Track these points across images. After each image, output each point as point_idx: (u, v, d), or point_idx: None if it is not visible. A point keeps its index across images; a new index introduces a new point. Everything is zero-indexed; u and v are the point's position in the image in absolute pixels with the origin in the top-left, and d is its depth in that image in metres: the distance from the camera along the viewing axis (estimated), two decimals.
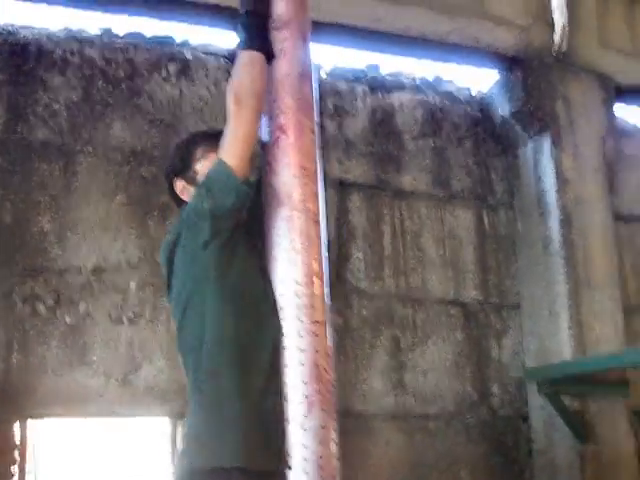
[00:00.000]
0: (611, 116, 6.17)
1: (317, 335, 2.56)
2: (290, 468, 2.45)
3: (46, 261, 4.75)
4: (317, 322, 2.58)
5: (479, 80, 6.26)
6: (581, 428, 5.35)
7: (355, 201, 5.65)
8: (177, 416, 4.86)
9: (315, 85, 2.81)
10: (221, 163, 2.53)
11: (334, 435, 2.52)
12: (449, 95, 6.10)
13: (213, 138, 2.68)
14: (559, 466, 5.50)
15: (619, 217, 6.17)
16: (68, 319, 4.71)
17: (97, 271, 4.81)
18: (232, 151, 2.54)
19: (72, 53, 5.02)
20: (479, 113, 6.13)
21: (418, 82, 6.04)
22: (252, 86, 2.58)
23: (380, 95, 5.87)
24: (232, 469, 2.39)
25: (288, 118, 2.68)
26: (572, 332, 5.50)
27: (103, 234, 4.86)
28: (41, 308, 4.68)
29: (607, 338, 5.59)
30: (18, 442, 4.59)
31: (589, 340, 5.53)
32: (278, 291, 2.60)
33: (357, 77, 5.82)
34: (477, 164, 6.07)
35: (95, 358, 4.73)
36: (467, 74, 6.26)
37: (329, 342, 2.62)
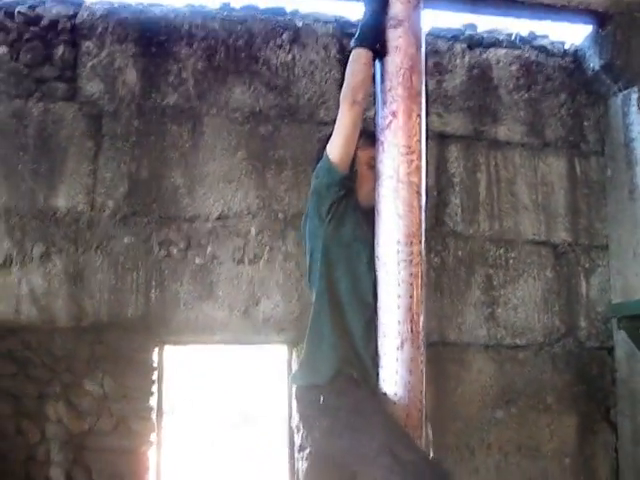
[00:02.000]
0: None
1: (412, 284, 3.05)
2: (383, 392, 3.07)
3: (178, 210, 5.51)
4: (413, 274, 3.06)
5: (573, 33, 6.59)
6: None
7: (453, 151, 6.16)
8: (292, 343, 5.60)
9: (423, 77, 3.21)
10: (325, 154, 3.14)
11: (421, 366, 3.06)
12: (543, 49, 6.46)
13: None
14: None
15: None
16: (197, 260, 5.47)
17: (222, 218, 5.54)
18: (333, 143, 3.11)
19: (197, 26, 5.69)
20: (572, 65, 6.48)
21: (514, 38, 6.44)
22: (353, 79, 3.08)
23: (477, 52, 6.32)
24: (320, 386, 3.09)
25: (399, 105, 3.10)
26: None
27: (227, 186, 5.57)
28: (174, 251, 5.45)
29: None
30: (156, 365, 5.42)
31: None
32: (383, 249, 3.09)
33: (455, 36, 6.28)
34: (570, 114, 6.45)
35: (220, 293, 5.49)
36: (561, 28, 6.60)
37: (423, 291, 3.10)
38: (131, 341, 5.30)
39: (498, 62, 6.34)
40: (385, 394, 3.03)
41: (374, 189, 3.17)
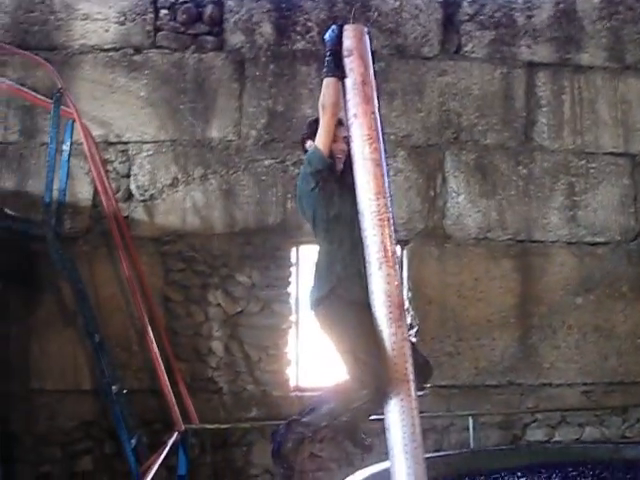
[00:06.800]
0: None
1: (382, 226, 4.04)
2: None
3: None
4: (383, 219, 4.05)
5: None
6: None
7: (541, 77, 7.14)
8: (402, 242, 6.74)
9: (373, 86, 4.21)
10: (315, 145, 4.24)
11: (396, 280, 4.04)
12: None
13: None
14: None
15: None
16: None
17: None
18: (320, 138, 4.20)
19: None
20: None
21: None
22: (328, 99, 4.15)
23: None
24: (320, 298, 4.19)
25: (357, 109, 4.14)
26: None
27: None
28: None
29: None
30: (294, 261, 6.70)
31: None
32: (361, 204, 4.08)
33: None
34: None
35: None
36: None
37: (392, 228, 4.10)
38: (273, 242, 6.57)
39: None
40: (368, 304, 4.06)
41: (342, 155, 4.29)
